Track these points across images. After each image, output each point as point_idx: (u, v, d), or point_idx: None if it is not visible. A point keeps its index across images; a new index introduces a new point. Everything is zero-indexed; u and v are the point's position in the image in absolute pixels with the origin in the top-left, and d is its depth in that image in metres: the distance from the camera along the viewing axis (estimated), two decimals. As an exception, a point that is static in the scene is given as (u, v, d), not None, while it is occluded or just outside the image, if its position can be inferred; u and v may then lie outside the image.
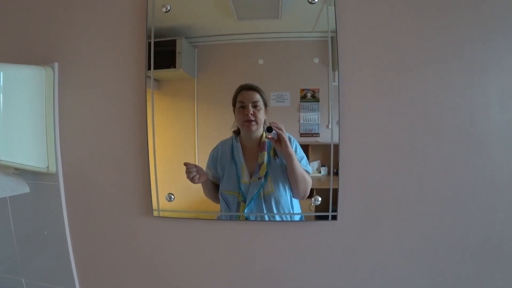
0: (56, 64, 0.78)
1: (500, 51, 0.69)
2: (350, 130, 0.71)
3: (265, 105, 0.71)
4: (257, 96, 0.70)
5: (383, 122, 0.71)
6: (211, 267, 0.77)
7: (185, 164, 0.72)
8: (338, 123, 0.70)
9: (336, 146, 0.70)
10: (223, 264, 0.77)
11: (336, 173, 0.71)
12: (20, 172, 0.78)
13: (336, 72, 0.70)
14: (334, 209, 0.71)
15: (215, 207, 0.74)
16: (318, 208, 0.72)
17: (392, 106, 0.70)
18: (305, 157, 0.71)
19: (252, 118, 0.70)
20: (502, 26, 0.69)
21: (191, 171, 0.71)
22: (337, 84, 0.70)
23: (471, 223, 0.71)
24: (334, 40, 0.69)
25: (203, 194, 0.74)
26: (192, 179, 0.71)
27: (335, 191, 0.71)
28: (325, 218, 0.72)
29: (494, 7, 0.69)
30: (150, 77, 0.73)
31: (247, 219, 0.73)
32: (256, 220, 0.73)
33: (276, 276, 0.76)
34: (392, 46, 0.70)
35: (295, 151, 0.69)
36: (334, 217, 0.71)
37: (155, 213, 0.76)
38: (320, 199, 0.71)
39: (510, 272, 0.72)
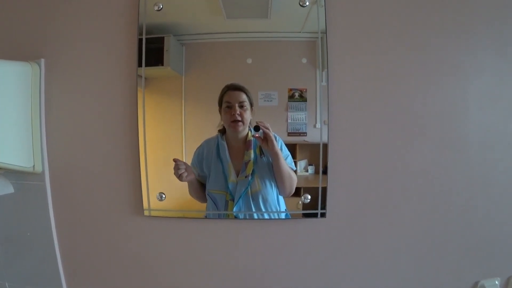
0: (42, 61, 0.76)
1: (479, 55, 0.72)
2: (338, 130, 0.72)
3: (251, 105, 0.71)
4: (244, 96, 0.70)
5: (370, 122, 0.72)
6: (203, 265, 0.77)
7: (175, 160, 0.72)
8: (326, 122, 0.71)
9: (325, 146, 0.71)
10: (215, 262, 0.77)
11: (324, 172, 0.72)
12: (4, 172, 0.76)
13: (324, 73, 0.71)
14: (323, 207, 0.72)
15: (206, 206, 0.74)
16: (307, 206, 0.73)
17: (379, 107, 0.72)
18: (290, 156, 0.72)
19: (239, 119, 0.70)
20: (481, 31, 0.72)
21: (180, 167, 0.71)
22: (325, 84, 0.71)
23: (452, 218, 0.75)
24: (323, 41, 0.70)
25: (193, 193, 0.74)
26: (179, 176, 0.71)
27: (324, 189, 0.72)
28: (314, 215, 0.73)
29: (474, 13, 0.72)
30: (141, 75, 0.72)
31: (236, 217, 0.73)
32: (245, 218, 0.73)
33: (267, 273, 0.76)
34: (379, 49, 0.72)
35: (280, 149, 0.70)
36: (323, 215, 0.73)
37: (146, 213, 0.75)
38: (309, 197, 0.72)
39: (488, 261, 0.77)
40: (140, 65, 0.72)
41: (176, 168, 0.71)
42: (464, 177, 0.74)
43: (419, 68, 0.72)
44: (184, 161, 0.73)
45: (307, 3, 0.70)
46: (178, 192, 0.74)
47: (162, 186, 0.74)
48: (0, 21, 0.80)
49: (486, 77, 0.73)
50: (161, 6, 0.72)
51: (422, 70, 0.72)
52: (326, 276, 0.76)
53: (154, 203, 0.75)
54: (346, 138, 0.72)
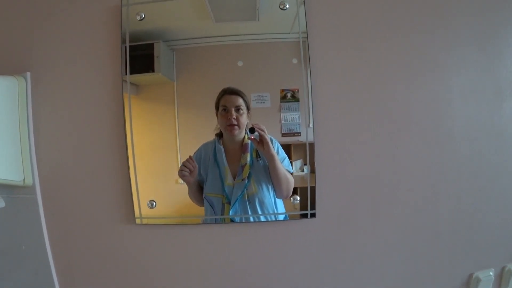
0: (28, 74, 0.75)
1: (461, 50, 0.74)
2: (324, 129, 0.72)
3: (248, 109, 0.71)
4: (240, 101, 0.70)
5: (356, 120, 0.73)
6: (198, 271, 0.77)
7: (190, 156, 0.71)
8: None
9: (313, 145, 0.71)
10: (210, 267, 0.76)
11: (313, 171, 0.72)
12: (-6, 186, 0.75)
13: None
14: (313, 207, 0.72)
15: (200, 211, 0.73)
16: (301, 207, 0.72)
17: (364, 105, 0.73)
18: (287, 158, 0.72)
19: (235, 123, 0.70)
20: (460, 28, 0.74)
21: (186, 166, 0.71)
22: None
23: (443, 211, 0.76)
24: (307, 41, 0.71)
25: (186, 199, 0.73)
26: (180, 172, 0.71)
27: (313, 189, 0.72)
28: (305, 216, 0.73)
29: (453, 10, 0.73)
30: (126, 81, 0.72)
31: (232, 221, 0.73)
32: (241, 221, 0.73)
33: (262, 275, 0.76)
34: (361, 48, 0.72)
35: (277, 152, 0.70)
36: (313, 215, 0.73)
37: (138, 221, 0.74)
38: (298, 198, 0.72)
39: (481, 253, 0.78)
40: (126, 72, 0.71)
41: (183, 165, 0.71)
42: (452, 170, 0.75)
43: (401, 65, 0.73)
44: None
45: (287, 6, 0.71)
46: (169, 199, 0.74)
47: (152, 194, 0.73)
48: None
49: (468, 72, 0.74)
50: (143, 16, 0.72)
51: (404, 67, 0.73)
52: (320, 276, 0.76)
53: (146, 211, 0.74)
54: (332, 137, 0.73)
